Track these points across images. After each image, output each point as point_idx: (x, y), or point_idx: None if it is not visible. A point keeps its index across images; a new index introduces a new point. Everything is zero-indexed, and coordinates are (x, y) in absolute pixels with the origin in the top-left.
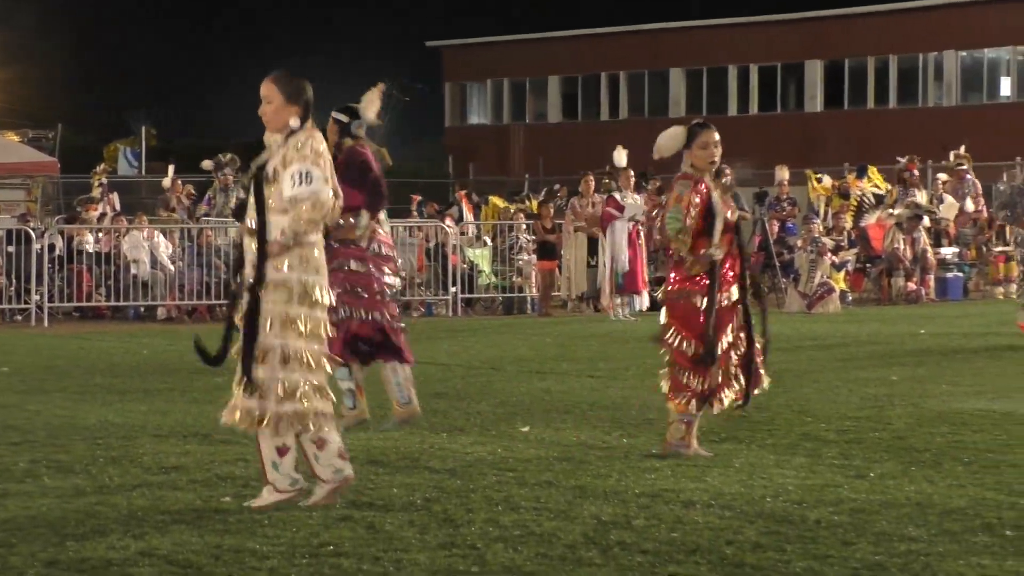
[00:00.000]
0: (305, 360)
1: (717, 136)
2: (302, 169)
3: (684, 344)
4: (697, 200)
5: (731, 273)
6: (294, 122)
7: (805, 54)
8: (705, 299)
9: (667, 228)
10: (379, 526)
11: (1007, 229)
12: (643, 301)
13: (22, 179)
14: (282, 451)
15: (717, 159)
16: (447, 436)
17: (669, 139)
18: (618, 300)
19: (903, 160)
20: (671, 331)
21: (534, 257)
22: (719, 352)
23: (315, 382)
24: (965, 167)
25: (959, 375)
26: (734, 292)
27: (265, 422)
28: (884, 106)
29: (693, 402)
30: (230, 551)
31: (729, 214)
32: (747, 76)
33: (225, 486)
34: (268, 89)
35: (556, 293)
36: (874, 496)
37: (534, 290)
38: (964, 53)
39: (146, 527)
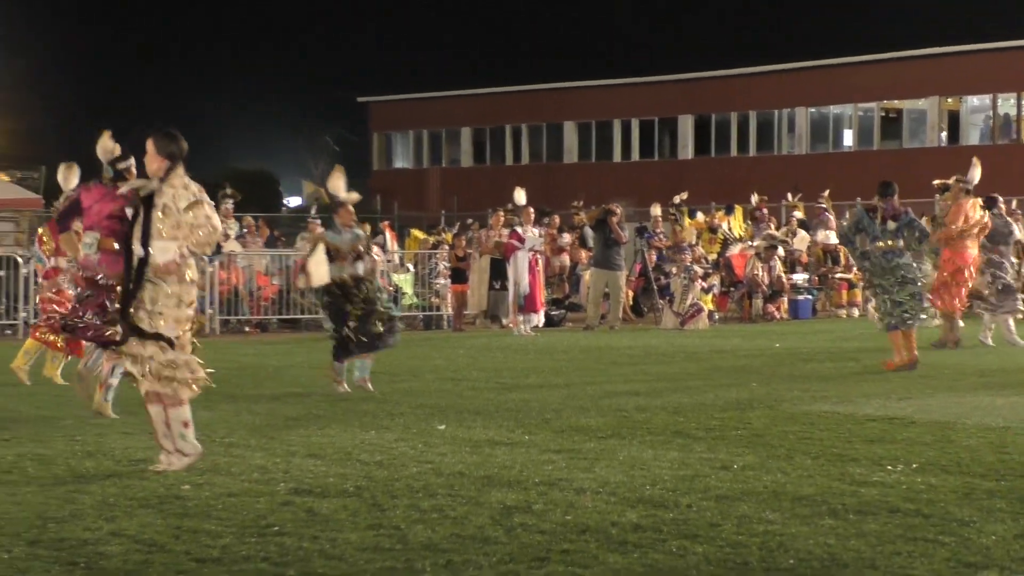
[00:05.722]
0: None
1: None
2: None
3: None
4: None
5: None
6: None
7: (678, 110)
8: None
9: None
10: (317, 510)
11: (843, 255)
12: (540, 319)
13: (11, 214)
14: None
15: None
16: (375, 433)
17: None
18: (520, 318)
19: (755, 200)
20: None
21: (449, 281)
22: None
23: None
24: (824, 206)
25: (808, 382)
26: None
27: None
28: (745, 154)
29: None
30: (188, 531)
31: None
32: (629, 128)
33: (184, 476)
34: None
35: (467, 312)
36: (736, 485)
37: (449, 309)
38: (813, 109)
39: (116, 511)
